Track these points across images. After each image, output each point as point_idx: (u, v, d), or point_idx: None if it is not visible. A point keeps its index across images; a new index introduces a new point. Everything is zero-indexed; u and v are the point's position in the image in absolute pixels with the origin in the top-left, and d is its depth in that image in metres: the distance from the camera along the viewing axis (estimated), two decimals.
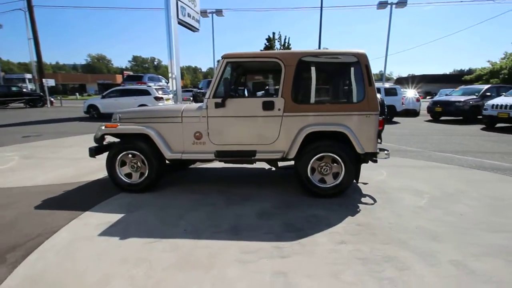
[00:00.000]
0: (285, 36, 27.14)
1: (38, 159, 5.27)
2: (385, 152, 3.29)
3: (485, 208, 3.03)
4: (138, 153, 3.38)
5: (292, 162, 3.37)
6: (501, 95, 10.88)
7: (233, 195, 3.42)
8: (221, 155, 3.32)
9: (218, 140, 3.32)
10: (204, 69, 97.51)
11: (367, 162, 3.31)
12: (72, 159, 5.23)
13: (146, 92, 12.15)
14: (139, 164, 3.47)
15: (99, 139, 3.51)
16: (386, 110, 3.51)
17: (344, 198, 3.28)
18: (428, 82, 39.32)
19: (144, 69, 78.19)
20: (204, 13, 20.36)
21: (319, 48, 18.23)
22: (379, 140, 3.30)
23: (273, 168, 4.47)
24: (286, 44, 26.77)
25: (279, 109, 3.21)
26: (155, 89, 12.44)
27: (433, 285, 1.80)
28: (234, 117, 3.27)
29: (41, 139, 7.60)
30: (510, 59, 22.88)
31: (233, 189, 3.62)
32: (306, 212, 2.89)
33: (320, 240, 2.33)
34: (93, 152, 3.47)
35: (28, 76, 31.01)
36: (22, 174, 4.34)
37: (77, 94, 40.20)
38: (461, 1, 22.42)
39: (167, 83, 16.20)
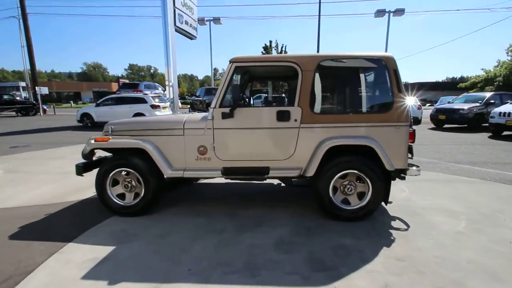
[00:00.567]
0: (282, 44, 27.14)
1: (23, 174, 4.79)
2: (416, 168, 2.89)
3: None
4: (133, 171, 2.93)
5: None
6: (506, 103, 10.67)
7: (243, 218, 2.97)
8: (229, 173, 2.89)
9: (226, 155, 2.90)
10: (200, 77, 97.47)
11: (394, 179, 2.91)
12: (59, 173, 4.75)
13: (142, 100, 11.71)
14: (133, 183, 3.01)
15: (88, 155, 3.04)
16: (412, 121, 3.12)
17: (371, 222, 2.85)
18: (425, 90, 39.53)
19: (141, 77, 77.68)
20: (201, 21, 20.19)
21: None
22: (409, 155, 2.89)
23: (282, 184, 4.05)
24: (283, 53, 26.75)
25: (295, 120, 2.81)
26: (152, 97, 12.02)
27: None
28: (244, 129, 2.85)
29: (29, 149, 7.10)
30: (503, 67, 23.20)
31: (242, 211, 3.17)
32: (331, 241, 2.45)
33: (360, 284, 1.88)
34: (81, 170, 3.01)
35: (22, 84, 30.48)
36: (2, 192, 3.86)
37: (72, 102, 39.52)
38: (458, 10, 22.57)
39: (164, 91, 15.82)
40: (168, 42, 10.20)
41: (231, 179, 3.08)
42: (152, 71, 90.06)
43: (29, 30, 21.66)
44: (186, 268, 2.07)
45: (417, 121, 12.63)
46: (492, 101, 11.50)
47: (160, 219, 2.95)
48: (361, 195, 2.86)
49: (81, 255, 2.25)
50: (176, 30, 10.84)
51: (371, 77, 2.97)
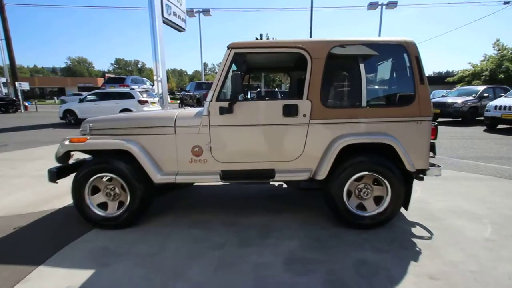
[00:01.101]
0: (273, 37, 26.68)
1: None
2: (437, 167, 2.58)
3: None
4: (116, 176, 2.51)
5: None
6: (499, 96, 10.64)
7: (246, 228, 2.61)
8: (228, 177, 2.51)
9: (224, 156, 2.52)
10: (190, 72, 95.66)
11: (418, 180, 2.61)
12: (35, 177, 4.26)
13: (129, 96, 11.11)
14: (117, 190, 2.59)
15: (63, 158, 2.60)
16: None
17: (390, 230, 2.54)
18: None
19: (128, 72, 75.44)
20: (190, 12, 19.47)
21: None
22: (431, 153, 2.58)
23: (285, 185, 3.70)
24: None
25: (304, 115, 2.44)
26: (139, 92, 11.42)
27: None
28: (244, 126, 2.48)
29: (5, 149, 6.52)
30: (490, 61, 23.51)
31: (244, 219, 2.80)
32: (350, 256, 2.12)
33: None
34: (54, 176, 2.57)
35: (2, 79, 28.90)
36: None
37: (55, 98, 37.95)
38: (449, 3, 22.65)
39: (152, 85, 15.18)
40: (155, 35, 9.64)
41: (230, 182, 2.71)
42: (139, 65, 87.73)
43: (7, 22, 20.43)
44: None
45: None
46: (486, 94, 11.47)
47: (149, 232, 2.54)
48: (378, 200, 2.54)
49: (52, 284, 1.84)
50: (164, 22, 10.28)
51: (388, 66, 2.63)
